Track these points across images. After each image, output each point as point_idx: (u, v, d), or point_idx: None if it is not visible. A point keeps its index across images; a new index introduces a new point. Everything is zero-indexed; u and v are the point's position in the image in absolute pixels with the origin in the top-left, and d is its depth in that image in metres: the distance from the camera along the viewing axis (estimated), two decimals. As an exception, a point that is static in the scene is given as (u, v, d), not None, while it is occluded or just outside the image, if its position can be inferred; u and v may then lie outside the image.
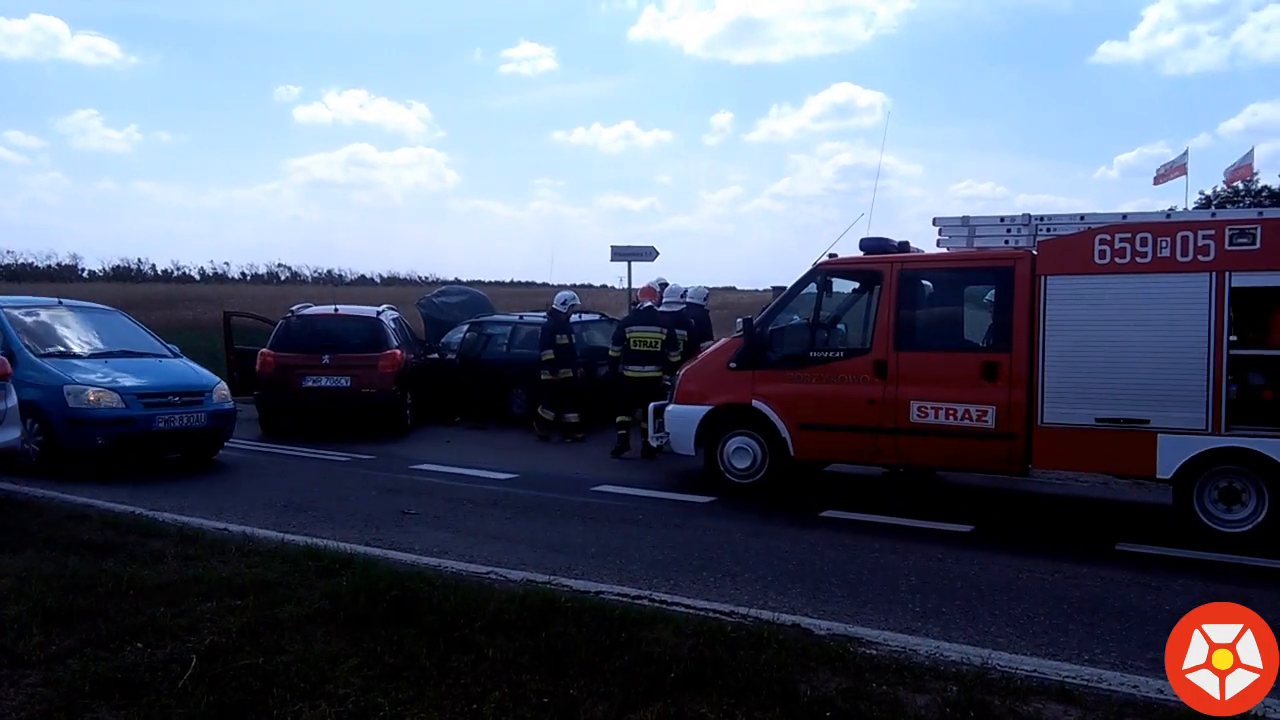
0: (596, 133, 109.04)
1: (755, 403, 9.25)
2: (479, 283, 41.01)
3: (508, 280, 55.95)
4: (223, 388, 10.97)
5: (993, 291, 8.64)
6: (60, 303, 11.38)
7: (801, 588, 6.18)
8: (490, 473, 10.27)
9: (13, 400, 8.04)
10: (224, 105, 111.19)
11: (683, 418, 9.69)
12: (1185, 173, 15.63)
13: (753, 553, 7.06)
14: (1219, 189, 27.13)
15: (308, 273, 62.80)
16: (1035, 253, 8.19)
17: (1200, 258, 7.34)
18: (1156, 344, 7.50)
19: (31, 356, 9.96)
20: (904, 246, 9.40)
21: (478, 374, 14.78)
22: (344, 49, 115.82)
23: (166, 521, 7.27)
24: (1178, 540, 7.47)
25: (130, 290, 41.45)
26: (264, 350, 13.44)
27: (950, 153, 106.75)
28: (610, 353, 12.44)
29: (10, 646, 4.42)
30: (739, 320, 9.63)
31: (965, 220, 9.75)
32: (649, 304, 12.62)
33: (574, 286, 15.90)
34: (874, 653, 4.72)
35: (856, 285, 9.58)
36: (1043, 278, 7.91)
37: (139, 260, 62.13)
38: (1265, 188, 31.71)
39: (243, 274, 61.12)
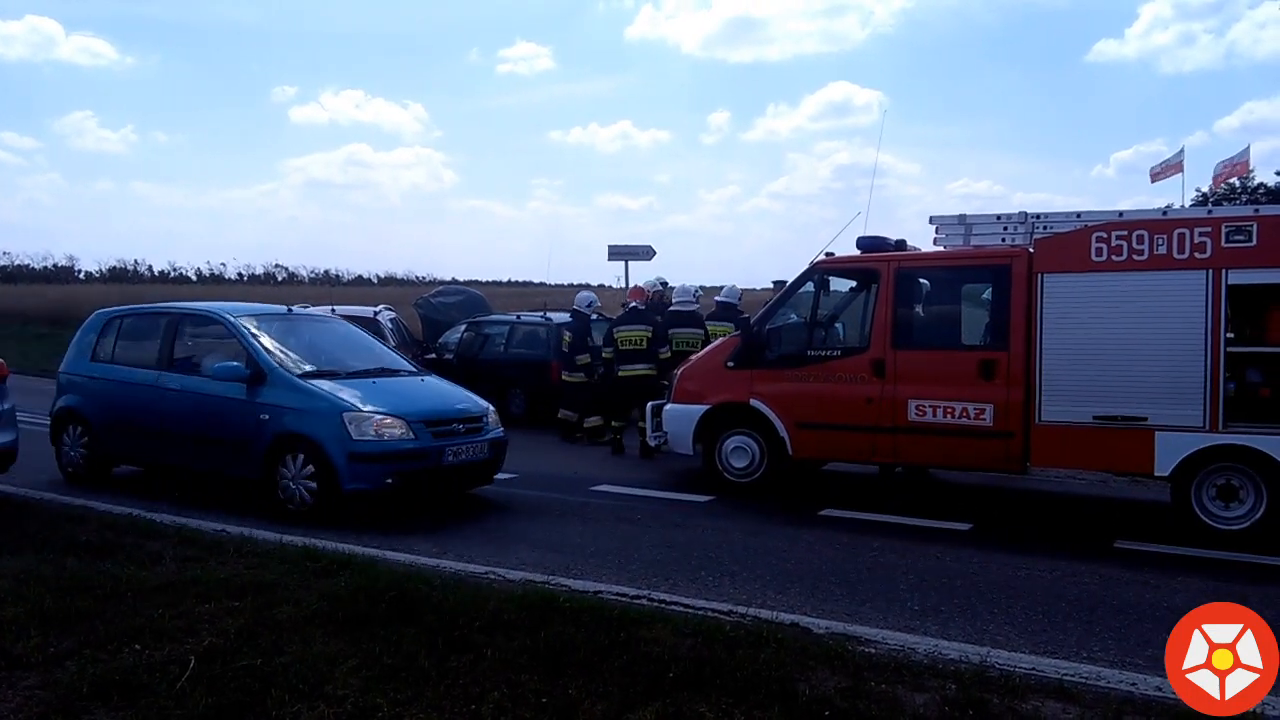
0: (594, 132, 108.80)
1: (753, 402, 9.25)
2: (476, 282, 40.96)
3: (505, 280, 55.87)
4: (494, 412, 9.21)
5: (990, 290, 8.65)
6: (290, 310, 9.86)
7: (800, 587, 6.18)
8: (488, 473, 10.24)
9: (10, 402, 8.01)
10: (220, 106, 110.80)
11: (681, 417, 9.68)
12: (1182, 170, 15.68)
13: (751, 552, 7.06)
14: (1211, 187, 27.15)
15: (305, 273, 62.61)
16: (1032, 251, 8.20)
17: (1197, 255, 7.35)
18: (1154, 342, 7.51)
19: (289, 376, 8.21)
20: (901, 245, 9.40)
21: (476, 374, 14.74)
22: (340, 49, 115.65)
23: (164, 523, 7.25)
24: (1176, 538, 7.48)
25: (127, 291, 41.24)
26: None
27: (947, 151, 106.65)
28: (604, 354, 12.47)
29: (8, 648, 4.42)
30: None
31: (962, 219, 9.76)
32: (635, 304, 12.59)
33: (572, 286, 15.88)
34: (873, 651, 4.72)
35: (854, 284, 9.58)
36: (1040, 276, 7.91)
37: (136, 261, 61.85)
38: (1261, 185, 31.76)
39: (240, 274, 60.92)
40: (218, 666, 4.23)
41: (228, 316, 8.86)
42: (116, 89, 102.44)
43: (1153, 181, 16.88)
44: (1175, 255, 7.41)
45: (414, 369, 9.55)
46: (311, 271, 62.47)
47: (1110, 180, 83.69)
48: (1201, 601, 3.62)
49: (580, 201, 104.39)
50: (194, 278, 59.16)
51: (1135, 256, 7.54)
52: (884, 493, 9.55)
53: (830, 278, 9.36)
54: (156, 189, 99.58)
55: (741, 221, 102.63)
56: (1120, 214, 8.71)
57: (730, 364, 9.48)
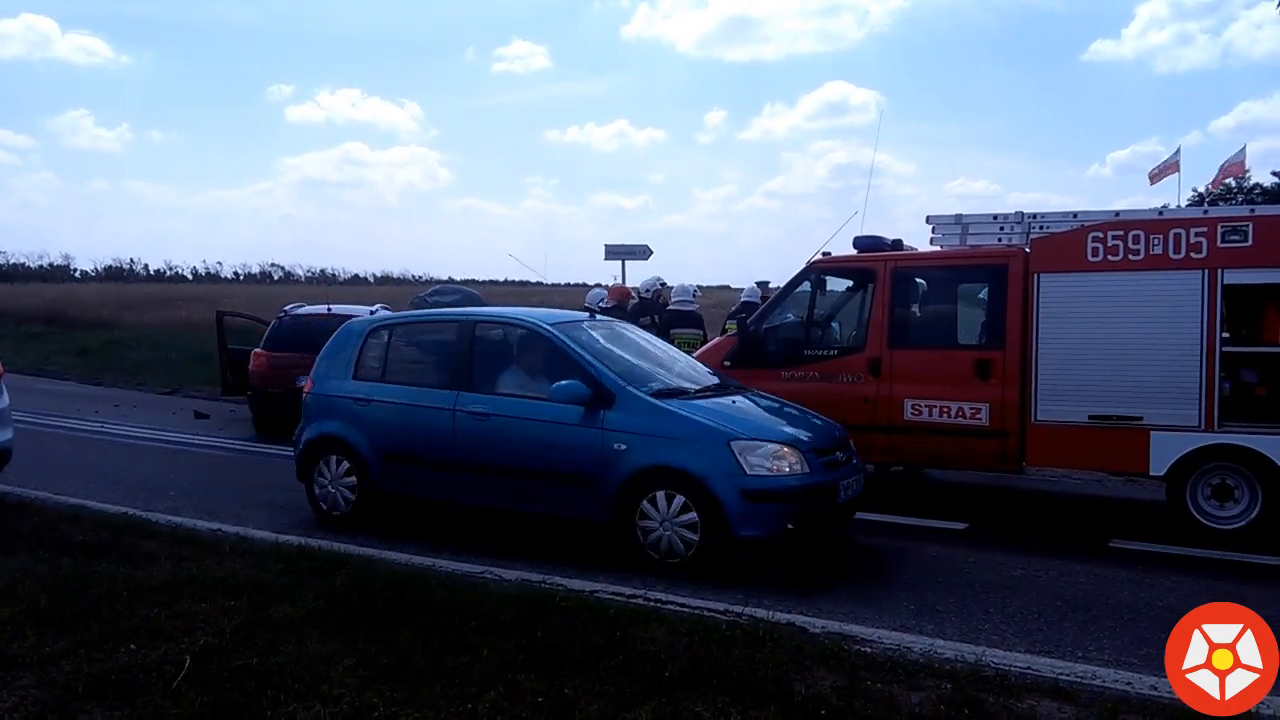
0: (590, 131, 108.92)
1: (750, 401, 9.24)
2: (472, 281, 40.94)
3: (501, 279, 55.86)
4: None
5: (986, 289, 8.65)
6: (593, 316, 8.31)
7: (795, 586, 6.18)
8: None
9: (5, 401, 7.99)
10: (216, 104, 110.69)
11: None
12: (1178, 170, 15.69)
13: (747, 553, 7.04)
14: (1209, 188, 27.21)
15: (301, 272, 62.55)
16: (1028, 251, 8.21)
17: (1193, 255, 7.36)
18: (1149, 341, 7.52)
19: (644, 397, 6.77)
20: (897, 244, 9.41)
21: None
22: (336, 48, 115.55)
23: (160, 522, 7.24)
24: (1171, 537, 7.49)
25: (123, 290, 41.24)
26: (257, 350, 13.39)
27: (943, 151, 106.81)
28: None
29: (3, 648, 4.41)
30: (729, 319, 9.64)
31: (958, 218, 9.77)
32: (613, 303, 12.58)
33: (569, 286, 15.87)
34: (868, 650, 4.73)
35: (850, 283, 9.58)
36: (1036, 275, 7.92)
37: (131, 260, 61.77)
38: (1258, 185, 31.82)
39: (236, 274, 60.84)
40: (213, 666, 4.22)
41: (544, 325, 7.36)
42: (112, 87, 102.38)
43: (1152, 184, 16.91)
44: (1171, 255, 7.42)
45: (734, 383, 7.91)
46: (307, 270, 62.44)
47: (1106, 180, 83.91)
48: (1197, 601, 3.63)
49: (576, 200, 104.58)
50: (190, 277, 59.09)
51: (1131, 256, 7.55)
52: (880, 492, 9.54)
53: (827, 277, 9.36)
54: (152, 188, 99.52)
55: (737, 221, 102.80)
56: (1116, 214, 8.72)
57: (727, 363, 9.46)
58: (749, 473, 6.33)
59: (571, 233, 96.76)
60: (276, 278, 60.06)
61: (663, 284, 14.16)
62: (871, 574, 6.53)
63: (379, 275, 62.61)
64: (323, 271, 62.19)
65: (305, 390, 8.26)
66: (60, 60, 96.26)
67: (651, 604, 5.50)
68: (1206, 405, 7.35)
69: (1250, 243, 7.22)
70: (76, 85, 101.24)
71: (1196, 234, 7.36)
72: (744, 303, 12.72)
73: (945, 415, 8.35)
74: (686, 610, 5.40)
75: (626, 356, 7.39)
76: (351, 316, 13.90)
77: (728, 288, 27.74)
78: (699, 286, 14.13)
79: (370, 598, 5.11)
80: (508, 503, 7.24)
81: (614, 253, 19.08)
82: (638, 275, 17.74)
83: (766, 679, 4.17)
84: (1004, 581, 6.35)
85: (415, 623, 4.79)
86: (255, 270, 61.49)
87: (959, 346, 8.67)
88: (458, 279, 50.06)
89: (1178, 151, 15.95)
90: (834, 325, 9.62)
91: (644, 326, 13.06)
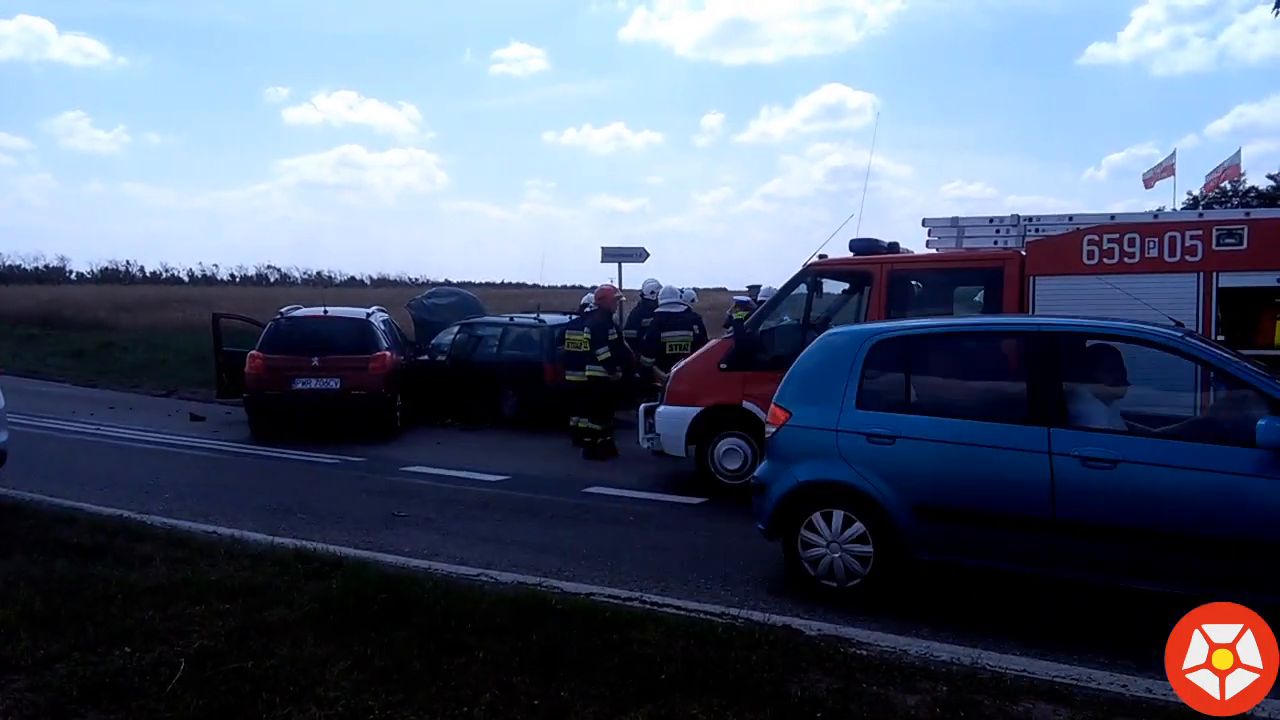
0: (587, 134, 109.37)
1: (746, 404, 9.25)
2: (469, 284, 40.89)
3: (498, 281, 55.92)
4: None
5: (982, 292, 8.68)
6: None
7: (792, 588, 6.18)
8: (480, 474, 10.24)
9: (1, 402, 7.97)
10: (213, 106, 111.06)
11: (673, 419, 9.68)
12: (1174, 174, 15.73)
13: (743, 554, 7.04)
14: (1203, 191, 27.24)
15: (297, 274, 62.69)
16: (1024, 253, 8.23)
17: (1188, 258, 7.38)
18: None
19: None
20: (894, 247, 9.42)
21: (468, 376, 14.75)
22: (333, 50, 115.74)
23: (155, 525, 7.23)
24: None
25: (119, 292, 41.25)
26: (253, 352, 13.37)
27: (940, 154, 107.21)
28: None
29: (-3, 651, 4.40)
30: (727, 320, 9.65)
31: (954, 221, 9.78)
32: (597, 306, 12.58)
33: (565, 289, 15.88)
34: (864, 653, 4.73)
35: (846, 286, 9.60)
36: (1031, 278, 7.94)
37: (127, 262, 61.91)
38: (1253, 188, 31.86)
39: (232, 276, 60.96)
40: (208, 669, 4.21)
41: (1175, 339, 5.59)
42: (109, 89, 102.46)
43: (1146, 187, 16.95)
44: (1166, 258, 7.45)
45: None
46: (304, 273, 62.53)
47: (1102, 183, 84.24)
48: (1192, 604, 3.63)
49: (573, 203, 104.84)
50: (186, 279, 59.08)
51: (1127, 259, 7.57)
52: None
53: (823, 280, 9.37)
54: (148, 189, 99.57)
55: (734, 223, 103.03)
56: (1112, 217, 8.75)
57: (723, 366, 9.48)
58: None
59: (569, 235, 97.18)
60: (273, 280, 60.17)
61: (659, 286, 14.19)
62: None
63: (375, 277, 62.78)
64: (319, 274, 62.34)
65: (773, 422, 6.43)
66: (57, 62, 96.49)
67: (647, 607, 5.49)
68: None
69: (1245, 246, 7.24)
70: (73, 87, 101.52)
71: (1192, 237, 7.38)
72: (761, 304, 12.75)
73: (941, 418, 8.32)
74: (682, 613, 5.39)
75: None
76: (348, 319, 14.00)
77: (724, 290, 27.76)
78: (695, 289, 14.12)
79: (366, 600, 5.10)
80: (1156, 581, 5.25)
81: (611, 255, 19.04)
82: (635, 278, 17.75)
83: (762, 681, 4.17)
84: (1000, 582, 6.34)
85: (411, 625, 4.79)
86: (251, 272, 61.63)
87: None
88: (454, 281, 50.08)
89: (1173, 155, 16.01)
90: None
91: (641, 329, 13.14)
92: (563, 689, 4.08)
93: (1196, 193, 28.80)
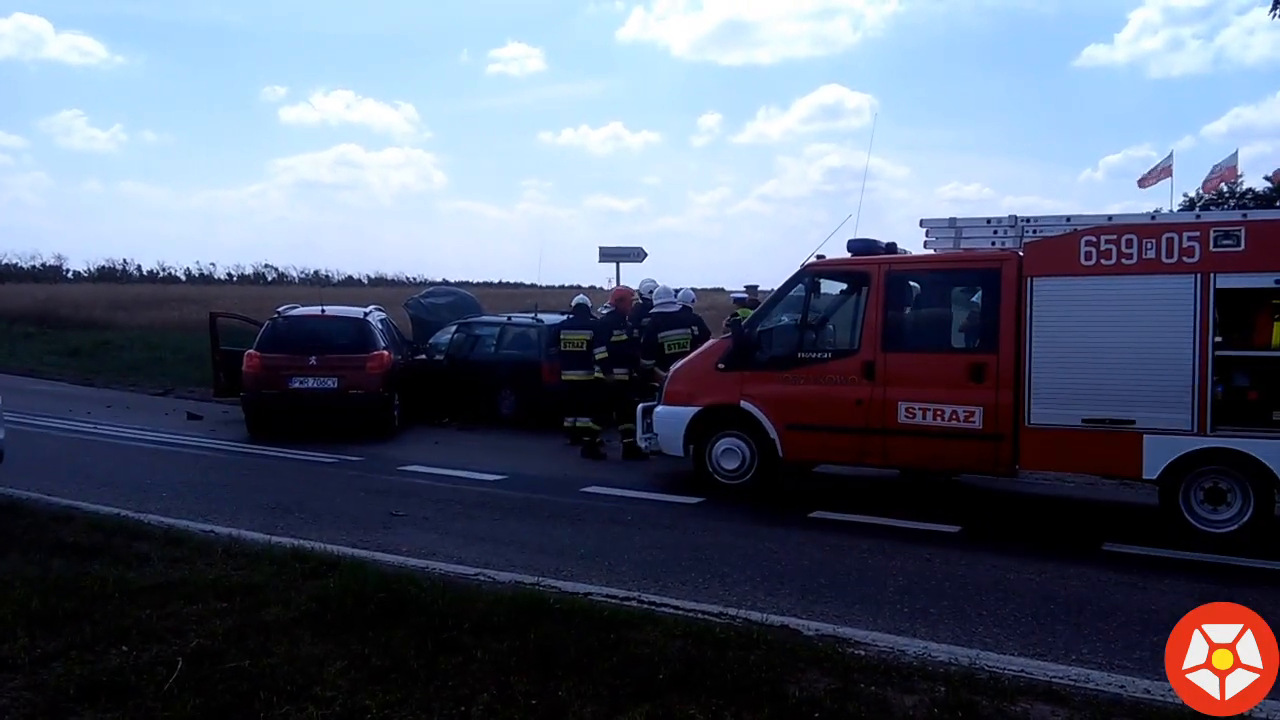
0: (584, 134, 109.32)
1: (744, 403, 9.25)
2: (467, 283, 40.88)
3: (496, 281, 55.90)
4: None
5: (979, 293, 8.68)
6: None
7: (790, 588, 6.19)
8: (478, 474, 10.24)
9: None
10: (210, 105, 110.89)
11: (671, 419, 9.68)
12: (1170, 175, 15.76)
13: (741, 554, 7.06)
14: (1200, 191, 27.27)
15: (294, 273, 62.63)
16: (1021, 254, 8.22)
17: (1185, 259, 7.38)
18: (1142, 345, 7.54)
19: None
20: (891, 248, 9.42)
21: (466, 375, 14.75)
22: (330, 49, 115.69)
23: (152, 524, 7.22)
24: (1164, 541, 7.50)
25: (116, 291, 41.17)
26: (250, 351, 13.35)
27: (937, 155, 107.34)
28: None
29: (-6, 650, 4.39)
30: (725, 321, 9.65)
31: (952, 222, 9.76)
32: (612, 308, 12.58)
33: (562, 288, 15.88)
34: (862, 653, 4.73)
35: (844, 286, 9.59)
36: (1029, 279, 7.94)
37: (124, 261, 61.80)
38: (1250, 190, 31.92)
39: (229, 275, 60.88)
40: (205, 668, 4.21)
41: None
42: (105, 88, 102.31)
43: (1141, 187, 16.99)
44: (1164, 259, 7.45)
45: None
46: (301, 272, 62.48)
47: (1099, 184, 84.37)
48: (1189, 604, 3.64)
49: (570, 203, 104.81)
50: (183, 278, 59.03)
51: (1124, 260, 7.57)
52: (873, 495, 9.55)
53: (821, 280, 9.37)
54: (145, 188, 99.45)
55: (731, 224, 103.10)
56: (1109, 218, 8.74)
57: (721, 366, 9.48)
58: None
59: (566, 235, 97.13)
60: (270, 279, 60.13)
61: (655, 284, 14.15)
62: (865, 576, 6.54)
63: (373, 277, 62.75)
64: (316, 273, 62.30)
65: None
66: (53, 60, 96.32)
67: (645, 606, 5.50)
68: (1199, 409, 7.37)
69: (1242, 247, 7.24)
70: (70, 85, 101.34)
71: (1189, 238, 7.38)
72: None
73: (939, 418, 8.36)
74: (680, 613, 5.39)
75: None
76: (346, 318, 13.98)
77: (722, 290, 27.76)
78: (694, 289, 14.07)
79: (363, 599, 5.09)
80: None
81: (608, 255, 19.08)
82: (633, 278, 17.76)
83: (760, 681, 4.17)
84: (997, 584, 6.36)
85: (408, 624, 4.78)
86: (249, 271, 61.57)
87: (953, 350, 8.69)
88: (452, 281, 50.09)
89: (1169, 156, 16.04)
90: (828, 328, 9.62)
91: (641, 329, 13.09)
92: (560, 688, 4.08)
93: (1193, 194, 28.87)
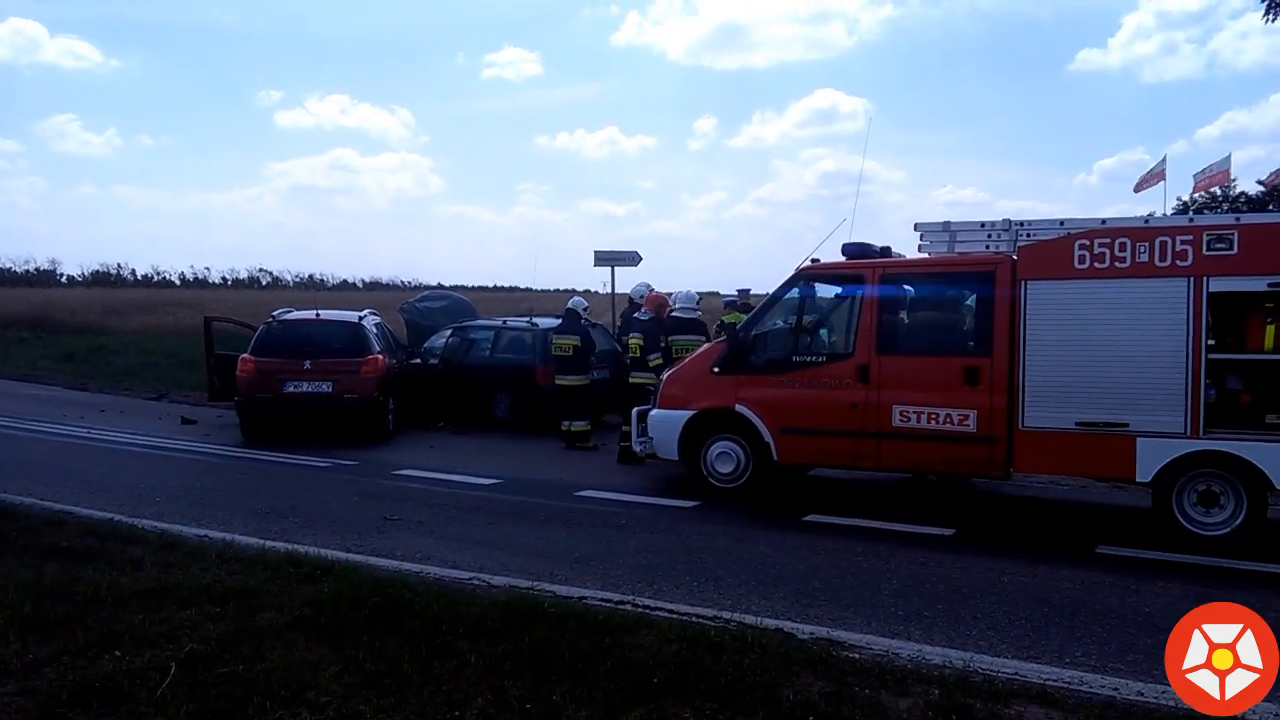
0: (580, 138, 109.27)
1: (738, 407, 9.26)
2: (462, 287, 40.80)
3: (491, 285, 55.83)
4: None
5: (974, 296, 8.69)
6: None
7: (784, 592, 6.19)
8: (473, 478, 10.23)
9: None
10: (205, 109, 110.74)
11: (666, 422, 9.68)
12: (1164, 179, 15.77)
13: (736, 557, 7.06)
14: (1192, 194, 27.35)
15: (289, 277, 62.42)
16: (1016, 258, 8.24)
17: (1179, 263, 7.40)
18: (1136, 348, 7.56)
19: None
20: (886, 252, 9.44)
21: (461, 379, 14.74)
22: (326, 53, 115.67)
23: (146, 529, 7.19)
24: (1157, 543, 7.52)
25: (110, 296, 41.06)
26: (245, 355, 13.33)
27: (932, 159, 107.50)
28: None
29: (-14, 655, 4.37)
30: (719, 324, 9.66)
31: (946, 225, 9.77)
32: (650, 314, 12.45)
33: (558, 292, 15.90)
34: (857, 656, 4.74)
35: (839, 290, 9.60)
36: (1023, 283, 7.96)
37: (119, 265, 61.55)
38: (1243, 194, 32.00)
39: (224, 279, 60.67)
40: (199, 673, 4.20)
41: None
42: (100, 92, 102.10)
43: (1137, 192, 17.01)
44: (1157, 263, 7.47)
45: None
46: (296, 276, 62.34)
47: (1093, 188, 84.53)
48: (1183, 606, 3.65)
49: (566, 207, 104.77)
50: (178, 282, 58.88)
51: (1118, 264, 7.59)
52: (868, 498, 9.56)
53: (815, 284, 9.38)
54: (140, 192, 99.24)
55: (727, 227, 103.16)
56: (1103, 222, 8.75)
57: (716, 370, 9.49)
58: None
59: (561, 239, 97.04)
60: (265, 283, 59.96)
61: (649, 289, 14.10)
62: (859, 579, 6.54)
63: (368, 281, 62.63)
64: (311, 277, 62.12)
65: None
66: (48, 64, 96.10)
67: (639, 610, 5.49)
68: (1192, 412, 7.40)
69: (1235, 251, 7.27)
70: (64, 90, 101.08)
71: (1182, 242, 7.41)
72: None
73: (933, 422, 8.37)
74: (674, 616, 5.39)
75: None
76: (341, 322, 13.97)
77: (716, 294, 27.76)
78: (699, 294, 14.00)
79: (358, 604, 5.09)
80: None
81: (604, 259, 19.03)
82: (627, 281, 17.75)
83: (755, 685, 4.17)
84: (991, 587, 6.37)
85: (403, 629, 4.77)
86: (244, 275, 61.40)
87: (947, 353, 8.70)
88: (447, 284, 50.00)
89: (1163, 160, 16.05)
90: (822, 331, 9.64)
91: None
92: (555, 693, 4.08)
93: (1187, 198, 28.94)
